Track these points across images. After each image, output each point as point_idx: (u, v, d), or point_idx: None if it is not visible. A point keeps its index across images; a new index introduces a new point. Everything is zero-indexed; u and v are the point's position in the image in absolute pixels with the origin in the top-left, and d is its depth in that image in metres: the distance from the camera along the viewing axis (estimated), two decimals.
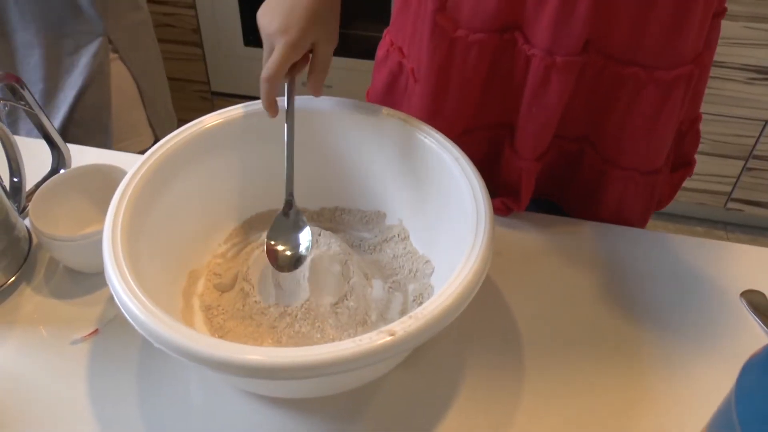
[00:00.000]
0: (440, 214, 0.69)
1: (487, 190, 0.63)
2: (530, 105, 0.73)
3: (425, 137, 0.69)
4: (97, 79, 1.17)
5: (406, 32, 0.82)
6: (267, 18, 0.66)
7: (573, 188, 0.84)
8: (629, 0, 0.65)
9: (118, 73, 1.21)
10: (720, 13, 0.73)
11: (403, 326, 0.50)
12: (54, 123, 1.13)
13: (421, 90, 0.79)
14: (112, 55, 1.19)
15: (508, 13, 0.69)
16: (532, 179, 0.79)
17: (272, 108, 0.68)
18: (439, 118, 0.76)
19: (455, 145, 0.67)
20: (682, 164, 0.85)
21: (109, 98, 1.20)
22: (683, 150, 0.84)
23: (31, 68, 1.16)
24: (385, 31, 0.90)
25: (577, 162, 0.81)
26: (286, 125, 0.67)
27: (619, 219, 0.82)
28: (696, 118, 0.82)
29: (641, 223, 0.84)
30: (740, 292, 0.72)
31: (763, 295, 0.71)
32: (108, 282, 0.56)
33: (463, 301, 0.54)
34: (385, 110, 0.72)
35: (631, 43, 0.68)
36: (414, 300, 0.69)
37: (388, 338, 0.50)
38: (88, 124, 1.19)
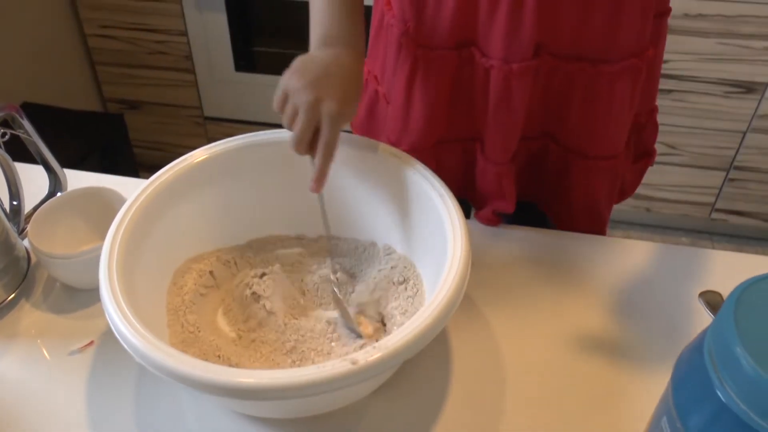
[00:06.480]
0: (425, 245, 0.71)
1: (467, 227, 0.64)
2: (496, 113, 0.78)
3: (414, 173, 0.71)
4: None
5: (379, 60, 0.87)
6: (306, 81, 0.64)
7: (542, 183, 0.89)
8: (570, 4, 0.71)
9: None
10: (663, 13, 0.79)
11: (365, 356, 0.53)
12: None
13: (391, 109, 0.84)
14: None
15: (462, 29, 0.75)
16: (512, 180, 0.84)
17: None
18: (408, 134, 0.81)
19: (441, 182, 0.69)
20: (644, 154, 0.91)
21: None
22: (643, 140, 0.90)
23: None
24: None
25: (543, 157, 0.86)
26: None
27: (587, 206, 0.87)
28: (653, 110, 0.89)
29: (607, 208, 0.89)
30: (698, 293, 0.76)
31: (719, 295, 0.75)
32: (105, 310, 0.59)
33: (425, 335, 0.55)
34: (379, 145, 0.75)
35: (576, 41, 0.74)
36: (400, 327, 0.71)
37: (350, 366, 0.52)
38: None
